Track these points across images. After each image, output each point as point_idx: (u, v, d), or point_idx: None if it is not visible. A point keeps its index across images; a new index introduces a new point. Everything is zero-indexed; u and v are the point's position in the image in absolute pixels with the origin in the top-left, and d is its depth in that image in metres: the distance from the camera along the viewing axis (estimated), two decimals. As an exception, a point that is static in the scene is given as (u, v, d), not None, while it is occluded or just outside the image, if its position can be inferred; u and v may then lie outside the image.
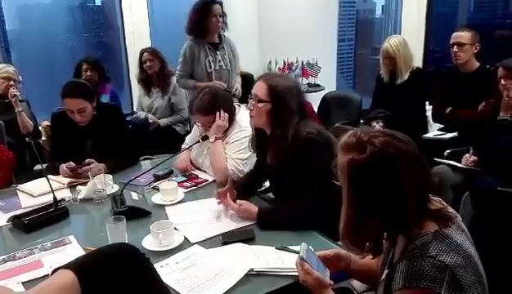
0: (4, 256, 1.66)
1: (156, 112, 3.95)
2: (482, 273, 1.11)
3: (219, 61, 3.37)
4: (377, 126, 3.38)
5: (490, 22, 5.29)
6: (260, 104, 1.87)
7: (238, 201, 1.89)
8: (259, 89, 1.88)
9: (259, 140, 2.03)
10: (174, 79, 3.92)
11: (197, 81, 3.36)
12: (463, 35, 3.13)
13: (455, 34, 3.17)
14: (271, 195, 2.18)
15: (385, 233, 1.17)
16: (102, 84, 3.84)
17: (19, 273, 1.54)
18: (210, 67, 3.36)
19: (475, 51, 3.15)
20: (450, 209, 1.16)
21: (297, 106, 1.86)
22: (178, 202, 2.08)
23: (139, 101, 4.11)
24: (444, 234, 1.08)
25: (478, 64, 3.17)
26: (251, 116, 1.94)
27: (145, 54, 3.93)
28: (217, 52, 3.40)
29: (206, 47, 3.37)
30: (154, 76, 3.92)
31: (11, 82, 3.44)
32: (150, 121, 3.86)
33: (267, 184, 2.20)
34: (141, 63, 3.94)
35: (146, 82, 3.98)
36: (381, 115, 3.47)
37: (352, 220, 1.13)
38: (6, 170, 2.59)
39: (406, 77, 3.42)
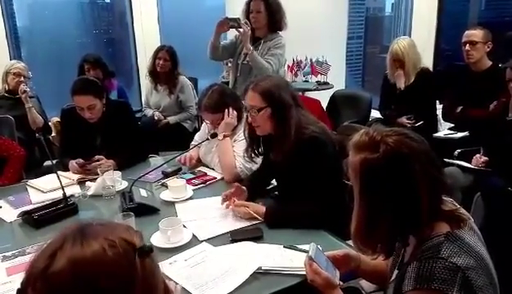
0: (14, 251, 1.67)
1: (164, 109, 3.94)
2: (494, 276, 1.09)
3: (247, 57, 3.22)
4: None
5: (501, 20, 5.22)
6: (261, 113, 1.86)
7: (243, 202, 1.89)
8: (252, 99, 1.88)
9: (258, 144, 2.03)
10: (181, 78, 3.93)
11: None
12: (475, 33, 3.07)
13: (467, 32, 3.12)
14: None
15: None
16: (108, 79, 3.83)
17: (28, 269, 1.55)
18: (239, 59, 3.29)
19: (487, 49, 3.09)
20: (462, 210, 1.15)
21: (291, 98, 1.87)
22: (187, 200, 2.08)
23: (146, 99, 4.10)
24: (456, 236, 1.06)
25: (490, 63, 3.12)
26: (256, 127, 1.91)
27: (163, 52, 3.87)
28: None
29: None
30: (163, 74, 3.91)
31: (22, 79, 3.48)
32: (156, 118, 3.85)
33: (275, 182, 2.19)
34: (155, 58, 3.89)
35: (154, 76, 3.95)
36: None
37: (364, 221, 1.11)
38: (18, 166, 2.61)
39: (411, 79, 3.39)
